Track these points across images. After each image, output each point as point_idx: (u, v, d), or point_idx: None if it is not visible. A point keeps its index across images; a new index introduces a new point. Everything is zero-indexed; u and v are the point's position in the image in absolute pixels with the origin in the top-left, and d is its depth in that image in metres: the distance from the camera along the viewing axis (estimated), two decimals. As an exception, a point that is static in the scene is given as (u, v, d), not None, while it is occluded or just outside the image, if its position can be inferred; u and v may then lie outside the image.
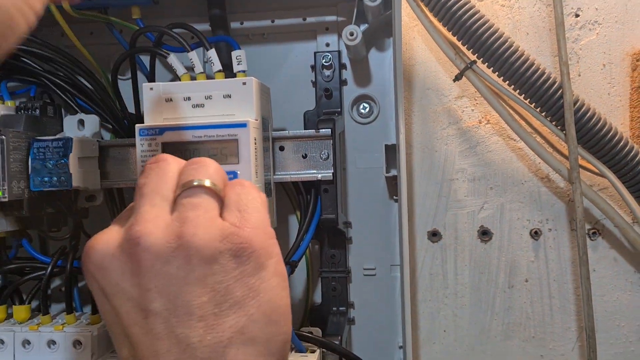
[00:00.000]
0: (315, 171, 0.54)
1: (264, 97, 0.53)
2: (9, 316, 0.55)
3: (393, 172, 0.57)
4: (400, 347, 0.60)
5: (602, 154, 0.52)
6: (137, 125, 0.48)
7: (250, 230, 0.31)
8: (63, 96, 0.57)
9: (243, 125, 0.47)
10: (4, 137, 0.48)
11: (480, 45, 0.53)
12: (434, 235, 0.60)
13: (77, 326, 0.52)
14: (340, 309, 0.59)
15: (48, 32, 0.60)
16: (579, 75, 0.58)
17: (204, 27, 0.59)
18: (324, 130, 0.54)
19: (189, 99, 0.49)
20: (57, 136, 0.52)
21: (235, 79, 0.50)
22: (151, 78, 0.57)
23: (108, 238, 0.32)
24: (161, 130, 0.48)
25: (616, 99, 0.57)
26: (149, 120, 0.49)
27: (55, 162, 0.51)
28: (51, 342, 0.51)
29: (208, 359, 0.30)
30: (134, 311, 0.31)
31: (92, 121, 0.56)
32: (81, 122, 0.56)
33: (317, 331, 0.55)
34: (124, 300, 0.31)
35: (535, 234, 0.59)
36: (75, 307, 0.56)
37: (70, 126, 0.57)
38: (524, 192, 0.59)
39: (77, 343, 0.50)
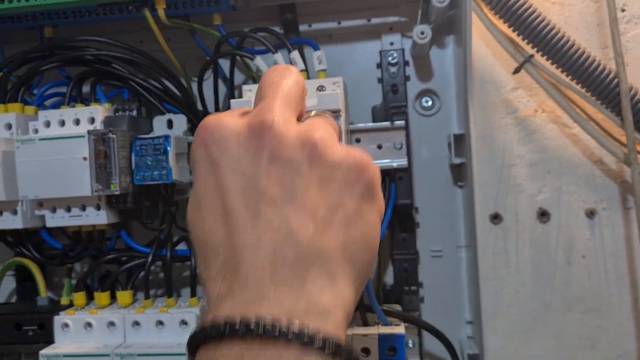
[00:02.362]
0: (389, 160, 0.59)
1: (346, 95, 0.57)
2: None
3: (458, 160, 0.61)
4: (468, 323, 0.65)
5: (657, 137, 0.57)
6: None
7: (369, 161, 0.32)
8: (150, 98, 0.61)
9: (336, 118, 0.51)
10: (114, 135, 0.53)
11: (540, 40, 0.57)
12: (495, 218, 0.65)
13: (179, 308, 0.57)
14: (412, 288, 0.63)
15: (126, 38, 0.63)
16: (627, 66, 0.62)
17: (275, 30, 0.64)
18: (398, 122, 0.58)
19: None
20: (154, 135, 0.57)
21: (326, 79, 0.54)
22: (231, 79, 0.62)
23: (231, 118, 0.32)
24: (260, 125, 0.52)
25: (663, 86, 0.62)
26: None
27: (156, 159, 0.55)
28: (159, 323, 0.56)
29: (310, 261, 0.29)
30: (249, 190, 0.30)
31: (180, 121, 0.61)
32: (170, 122, 0.61)
33: (397, 307, 0.59)
34: (240, 178, 0.30)
35: (591, 214, 0.63)
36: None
37: (159, 126, 0.61)
38: (579, 174, 0.64)
39: (182, 322, 0.55)
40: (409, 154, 0.58)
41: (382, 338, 0.53)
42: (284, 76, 0.34)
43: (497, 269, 0.65)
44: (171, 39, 0.66)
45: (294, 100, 0.33)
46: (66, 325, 0.56)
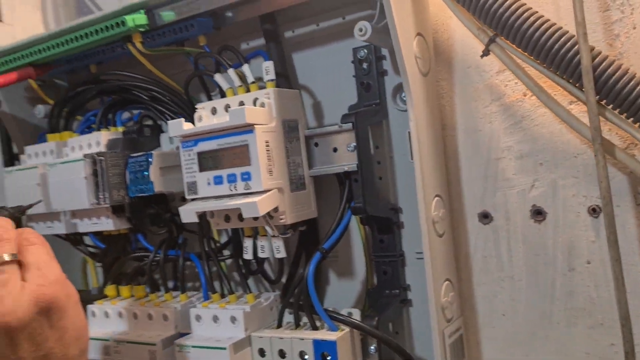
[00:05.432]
0: (343, 163, 0.58)
1: (288, 102, 0.58)
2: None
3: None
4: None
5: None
6: (181, 141, 0.58)
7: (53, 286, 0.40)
8: (162, 118, 0.70)
9: (250, 132, 0.53)
10: (102, 158, 0.63)
11: (492, 17, 0.50)
12: (485, 217, 0.58)
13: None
14: (394, 291, 0.61)
15: (132, 70, 0.71)
16: (634, 29, 0.50)
17: (261, 41, 0.66)
18: (346, 124, 0.57)
19: (214, 112, 0.57)
20: (142, 153, 0.65)
21: (259, 91, 0.56)
22: (207, 94, 0.67)
23: None
24: (195, 142, 0.57)
25: (680, 48, 0.48)
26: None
27: (141, 174, 0.64)
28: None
29: None
30: None
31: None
32: (171, 139, 0.69)
33: (356, 312, 0.58)
34: None
35: (594, 211, 0.53)
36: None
37: (165, 142, 0.70)
38: (578, 165, 0.54)
39: (165, 317, 0.63)
40: (361, 156, 0.56)
41: (317, 343, 0.54)
42: None
43: (489, 273, 0.59)
44: (172, 64, 0.73)
45: None
46: (93, 314, 0.68)
